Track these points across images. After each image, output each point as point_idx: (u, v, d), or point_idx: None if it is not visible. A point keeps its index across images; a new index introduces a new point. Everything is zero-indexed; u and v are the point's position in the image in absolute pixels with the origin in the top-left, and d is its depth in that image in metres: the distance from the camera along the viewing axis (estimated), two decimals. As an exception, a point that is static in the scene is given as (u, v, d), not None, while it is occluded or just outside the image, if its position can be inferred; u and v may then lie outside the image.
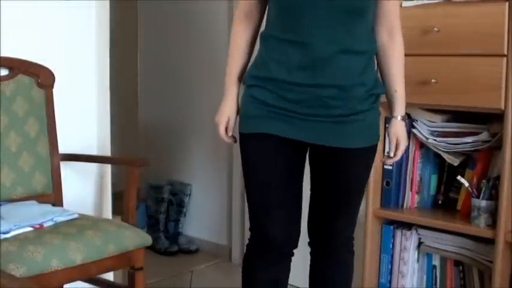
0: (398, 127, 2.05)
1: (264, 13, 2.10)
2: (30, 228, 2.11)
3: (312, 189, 2.12)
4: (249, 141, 2.02)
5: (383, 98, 2.08)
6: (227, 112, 2.08)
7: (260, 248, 2.08)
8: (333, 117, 1.94)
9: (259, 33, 2.07)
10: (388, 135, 2.12)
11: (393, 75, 2.04)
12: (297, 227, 2.09)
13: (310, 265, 2.20)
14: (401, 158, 2.47)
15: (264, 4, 2.07)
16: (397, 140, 2.04)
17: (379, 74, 2.07)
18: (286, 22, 1.96)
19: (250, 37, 2.10)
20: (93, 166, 2.81)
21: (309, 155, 2.08)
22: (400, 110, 2.05)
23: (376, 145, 2.05)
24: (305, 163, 2.08)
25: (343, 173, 2.03)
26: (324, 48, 1.91)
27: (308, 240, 2.16)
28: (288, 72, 1.94)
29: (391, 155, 2.06)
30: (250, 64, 2.09)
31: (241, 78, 2.09)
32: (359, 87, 1.95)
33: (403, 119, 2.05)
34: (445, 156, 2.40)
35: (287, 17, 1.95)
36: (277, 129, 1.96)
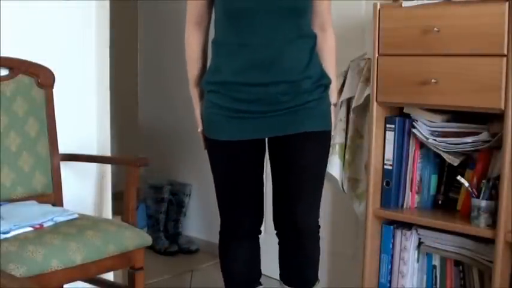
0: (332, 111, 2.26)
1: (211, 18, 2.25)
2: (30, 228, 2.11)
3: (273, 180, 2.27)
4: (213, 146, 2.22)
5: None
6: (196, 115, 2.30)
7: (231, 233, 2.35)
8: (284, 110, 2.11)
9: (211, 41, 2.22)
10: None
11: (326, 67, 2.22)
12: (261, 213, 2.32)
13: (279, 255, 2.34)
14: (402, 158, 2.49)
15: (211, 10, 2.21)
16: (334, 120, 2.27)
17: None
18: (232, 26, 2.11)
19: (203, 42, 2.26)
20: (93, 166, 2.81)
21: (267, 147, 2.24)
22: (333, 98, 2.27)
23: (329, 132, 2.23)
24: (265, 153, 2.26)
25: (298, 158, 2.18)
26: (269, 47, 2.07)
27: (274, 229, 2.31)
28: (239, 74, 2.09)
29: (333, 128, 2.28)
30: (206, 70, 2.25)
31: (199, 84, 2.25)
32: (306, 81, 2.12)
33: (334, 105, 2.29)
34: (445, 156, 2.40)
35: (233, 21, 2.11)
36: (234, 134, 2.14)
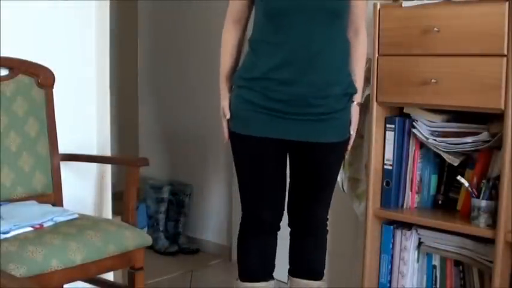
0: (354, 111, 2.29)
1: (249, 17, 2.33)
2: (30, 228, 2.11)
3: (291, 178, 2.38)
4: (239, 140, 2.28)
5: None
6: (224, 105, 2.31)
7: (252, 226, 2.38)
8: (313, 115, 2.18)
9: (248, 39, 2.29)
10: None
11: (355, 73, 2.27)
12: (282, 208, 2.39)
13: (290, 245, 2.46)
14: (401, 158, 2.49)
15: (251, 10, 2.29)
16: (354, 123, 2.30)
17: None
18: (271, 26, 2.17)
19: (239, 40, 2.35)
20: (93, 166, 2.81)
21: (289, 148, 2.30)
22: (358, 98, 2.31)
23: (348, 139, 2.31)
24: (287, 153, 2.34)
25: (319, 164, 2.30)
26: (304, 48, 2.12)
27: (288, 222, 2.43)
28: (274, 71, 2.15)
29: (352, 133, 2.31)
30: (239, 66, 2.32)
31: (231, 77, 2.32)
32: (336, 86, 2.19)
33: (358, 104, 2.31)
34: (445, 156, 2.40)
35: (272, 20, 2.17)
36: (261, 131, 2.20)
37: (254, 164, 2.28)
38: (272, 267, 2.44)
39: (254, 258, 2.41)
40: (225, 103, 2.30)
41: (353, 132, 2.30)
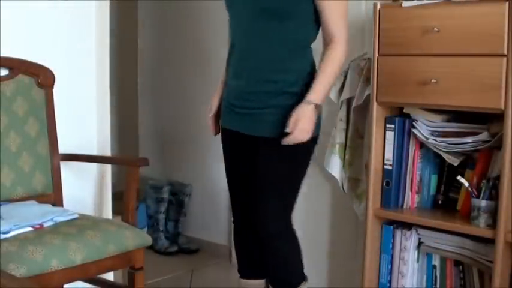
0: (300, 108, 2.17)
1: None
2: (30, 228, 2.11)
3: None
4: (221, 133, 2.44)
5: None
6: (212, 101, 2.46)
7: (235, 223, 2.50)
8: (249, 109, 2.25)
9: None
10: None
11: (318, 73, 2.21)
12: (246, 208, 2.36)
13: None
14: (401, 158, 2.49)
15: None
16: (295, 120, 2.15)
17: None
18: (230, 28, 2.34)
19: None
20: (93, 166, 2.81)
21: (242, 141, 2.34)
22: (309, 96, 2.18)
23: (284, 135, 2.18)
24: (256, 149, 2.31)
25: (253, 158, 2.28)
26: (243, 44, 2.26)
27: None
28: (230, 66, 2.35)
29: (288, 130, 2.17)
30: None
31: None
32: (270, 84, 2.21)
33: (308, 103, 2.16)
34: (445, 156, 2.40)
35: (229, 23, 2.33)
36: (223, 122, 2.39)
37: (225, 153, 2.46)
38: (259, 267, 2.43)
39: (237, 255, 2.52)
40: (213, 99, 2.45)
41: (294, 130, 2.15)
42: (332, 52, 2.20)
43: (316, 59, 2.29)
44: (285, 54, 2.21)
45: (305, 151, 2.26)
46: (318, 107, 2.19)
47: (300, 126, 2.15)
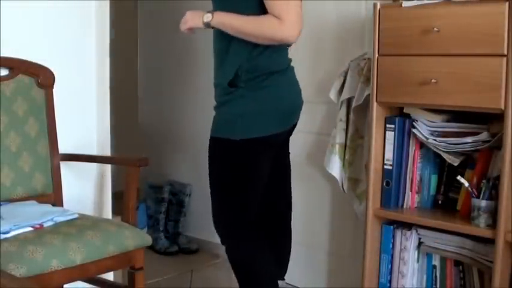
0: (194, 11, 2.28)
1: None
2: (30, 228, 2.11)
3: None
4: None
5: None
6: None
7: None
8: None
9: None
10: None
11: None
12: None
13: None
14: (401, 158, 2.48)
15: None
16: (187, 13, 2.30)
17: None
18: None
19: None
20: (93, 166, 2.81)
21: None
22: (212, 15, 2.20)
23: (220, 139, 2.23)
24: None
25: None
26: (213, 44, 2.33)
27: None
28: None
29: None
30: None
31: None
32: (218, 86, 2.28)
33: (206, 12, 2.22)
34: (445, 156, 2.40)
35: None
36: None
37: None
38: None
39: None
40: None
41: (182, 23, 2.32)
42: (272, 20, 2.09)
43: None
44: (226, 47, 2.24)
45: (233, 151, 2.23)
46: (205, 23, 2.22)
47: (184, 17, 2.30)
